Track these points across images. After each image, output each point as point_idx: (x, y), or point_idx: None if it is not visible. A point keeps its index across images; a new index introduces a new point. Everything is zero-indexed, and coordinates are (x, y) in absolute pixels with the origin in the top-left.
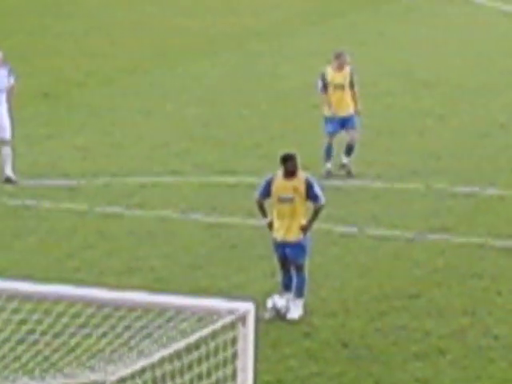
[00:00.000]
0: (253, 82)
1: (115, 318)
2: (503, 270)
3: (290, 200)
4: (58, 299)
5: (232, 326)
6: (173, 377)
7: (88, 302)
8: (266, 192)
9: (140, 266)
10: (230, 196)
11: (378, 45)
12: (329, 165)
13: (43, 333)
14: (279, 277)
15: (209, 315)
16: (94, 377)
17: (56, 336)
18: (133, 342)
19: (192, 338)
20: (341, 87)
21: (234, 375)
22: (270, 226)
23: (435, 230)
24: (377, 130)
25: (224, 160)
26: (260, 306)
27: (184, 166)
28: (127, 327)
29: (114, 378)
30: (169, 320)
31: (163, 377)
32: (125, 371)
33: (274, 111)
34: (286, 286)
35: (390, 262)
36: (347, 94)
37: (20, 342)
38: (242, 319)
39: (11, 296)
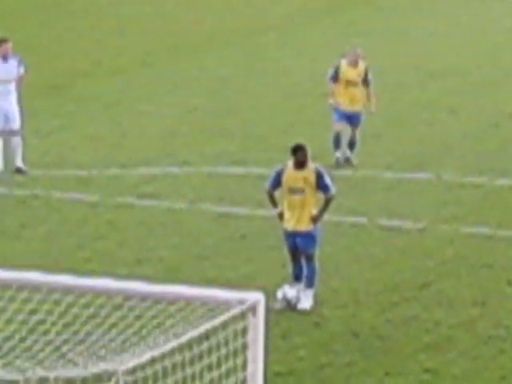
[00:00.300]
0: (261, 73)
1: (125, 308)
2: None
3: (301, 190)
4: (68, 289)
5: (242, 316)
6: (183, 367)
7: (98, 292)
8: (277, 182)
9: (150, 256)
10: (239, 186)
11: (386, 37)
12: (338, 154)
13: (53, 323)
14: (289, 267)
15: (219, 305)
16: (104, 367)
17: (66, 326)
18: (143, 332)
19: (202, 328)
20: (353, 83)
21: (244, 365)
22: (281, 216)
23: (445, 221)
24: (386, 121)
25: (233, 151)
26: (270, 297)
27: (193, 156)
28: (137, 317)
29: (124, 367)
30: (179, 310)
31: (173, 367)
32: (135, 361)
33: (283, 102)
34: (297, 277)
35: (400, 252)
36: (359, 90)
37: (30, 332)
38: (253, 309)
39: (21, 286)
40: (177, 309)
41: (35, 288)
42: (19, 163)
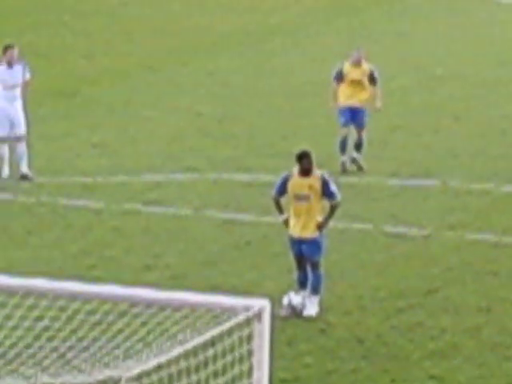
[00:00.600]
0: (267, 78)
1: (131, 314)
2: None
3: (306, 197)
4: (73, 296)
5: (248, 322)
6: (188, 374)
7: (104, 299)
8: (283, 189)
9: (155, 263)
10: (244, 193)
11: (393, 41)
12: (344, 158)
13: (59, 329)
14: (295, 274)
15: (224, 312)
16: (109, 373)
17: (72, 332)
18: (149, 339)
19: (208, 335)
20: (357, 83)
21: (249, 372)
22: (286, 223)
23: (451, 227)
24: (392, 127)
25: (239, 157)
26: (276, 303)
27: (199, 162)
28: (143, 324)
29: (129, 374)
30: (184, 317)
31: (179, 374)
32: (141, 368)
33: (289, 108)
34: (302, 284)
35: (405, 259)
36: (362, 88)
37: (36, 338)
38: (258, 316)
39: (27, 293)
40: (182, 315)
41: (41, 295)
42: (25, 169)
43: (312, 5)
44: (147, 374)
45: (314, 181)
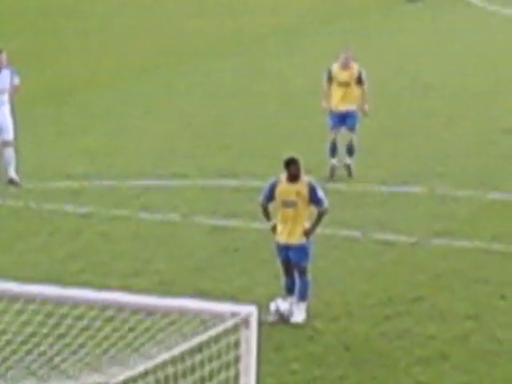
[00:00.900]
0: (260, 83)
1: (119, 320)
2: (507, 274)
3: (293, 204)
4: (61, 301)
5: (235, 328)
6: (175, 379)
7: (91, 304)
8: (270, 195)
9: (143, 268)
10: (233, 199)
11: (385, 47)
12: (334, 161)
13: (46, 334)
14: (282, 280)
15: (212, 318)
16: (96, 379)
17: (59, 338)
18: (136, 344)
19: (195, 341)
20: (345, 84)
21: (236, 378)
22: (274, 229)
23: (439, 234)
24: (381, 134)
25: (227, 163)
26: (263, 310)
27: (188, 168)
28: (131, 329)
29: (116, 380)
30: (172, 322)
31: (166, 379)
32: (127, 373)
33: (281, 113)
34: (290, 290)
35: (393, 266)
36: (352, 90)
37: (23, 343)
38: (245, 322)
39: (14, 297)
40: (170, 321)
41: (28, 299)
42: (12, 174)
43: (307, 9)
44: (134, 379)
45: (302, 187)
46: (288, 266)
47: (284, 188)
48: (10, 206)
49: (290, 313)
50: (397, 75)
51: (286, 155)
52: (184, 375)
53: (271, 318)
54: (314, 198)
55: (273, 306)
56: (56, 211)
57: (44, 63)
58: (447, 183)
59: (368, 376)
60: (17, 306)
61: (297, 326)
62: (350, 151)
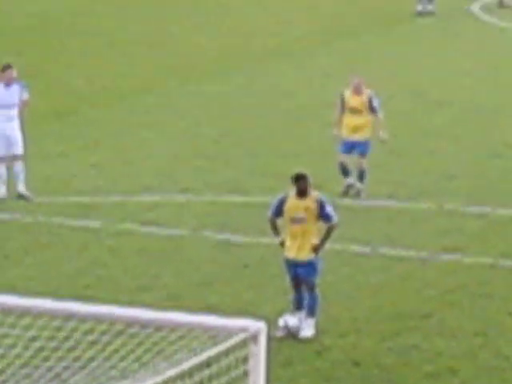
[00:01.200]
0: (266, 100)
1: (127, 334)
2: None
3: (302, 220)
4: (69, 316)
5: (243, 344)
6: None
7: (100, 319)
8: (279, 211)
9: (152, 283)
10: (241, 214)
11: (390, 64)
12: (348, 180)
13: (55, 349)
14: (291, 296)
15: (221, 333)
16: None
17: (67, 352)
18: (144, 359)
19: (203, 356)
20: (357, 111)
21: None
22: (282, 244)
23: (447, 250)
24: (389, 150)
25: (236, 178)
26: (272, 325)
27: (196, 183)
28: (139, 344)
29: None
30: (181, 337)
31: None
32: None
33: (287, 130)
34: (298, 305)
35: (401, 281)
36: (364, 118)
37: (32, 357)
38: (254, 338)
39: (23, 312)
40: (178, 336)
41: (37, 314)
42: (22, 189)
43: (311, 27)
44: None
45: (310, 202)
46: (296, 282)
47: (293, 203)
48: (18, 221)
49: (299, 328)
50: (404, 92)
51: (295, 171)
52: None
53: (280, 334)
54: (322, 214)
55: (281, 322)
56: (64, 226)
57: (51, 80)
58: (456, 199)
59: None
60: (25, 321)
61: (305, 341)
62: (361, 177)
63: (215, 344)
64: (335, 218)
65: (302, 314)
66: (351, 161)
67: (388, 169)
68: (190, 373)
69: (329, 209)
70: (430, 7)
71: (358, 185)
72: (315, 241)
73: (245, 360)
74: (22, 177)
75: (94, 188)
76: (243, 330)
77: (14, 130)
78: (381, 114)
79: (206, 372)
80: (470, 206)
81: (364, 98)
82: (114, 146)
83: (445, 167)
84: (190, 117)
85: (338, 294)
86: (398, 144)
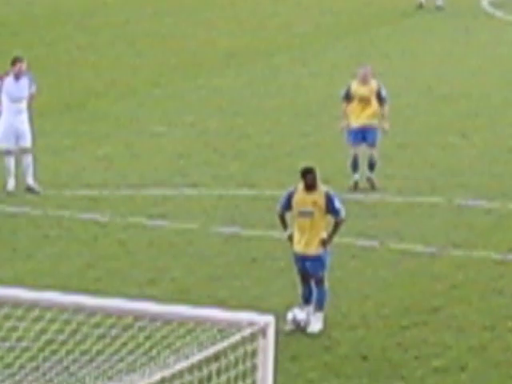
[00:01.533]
0: (275, 94)
1: (135, 328)
2: None
3: (310, 214)
4: (78, 309)
5: (252, 338)
6: None
7: (108, 312)
8: (287, 204)
9: (161, 276)
10: (250, 208)
11: (400, 59)
12: (356, 176)
13: (63, 342)
14: (299, 290)
15: (229, 327)
16: None
17: (76, 345)
18: (153, 353)
19: (212, 350)
20: (365, 100)
21: None
22: (291, 238)
23: (456, 245)
24: (398, 144)
25: (244, 172)
26: (280, 319)
27: (204, 177)
28: (147, 338)
29: None
30: (189, 331)
31: None
32: (144, 382)
33: (296, 124)
34: (307, 299)
35: (410, 276)
36: (372, 106)
37: (40, 350)
38: (262, 331)
39: (32, 305)
40: (187, 330)
41: (45, 307)
42: (30, 182)
43: (319, 22)
44: None
45: (319, 197)
46: (305, 276)
47: (301, 197)
48: (27, 215)
49: (307, 322)
50: (413, 87)
51: (303, 165)
52: None
53: (288, 328)
54: (330, 208)
55: (290, 316)
56: (73, 219)
57: (59, 74)
58: (465, 194)
59: None
60: (34, 314)
61: (313, 335)
62: (372, 166)
63: (224, 338)
64: (343, 213)
65: (311, 308)
66: (361, 153)
67: (397, 163)
68: (198, 366)
69: (337, 203)
70: (438, 2)
71: (368, 173)
72: (323, 235)
73: (253, 354)
74: (30, 170)
75: (102, 181)
76: (252, 323)
77: (23, 123)
78: (387, 105)
79: (215, 366)
80: (478, 200)
81: (372, 87)
82: (123, 140)
83: (454, 162)
84: (199, 111)
85: (347, 288)
86: (406, 138)
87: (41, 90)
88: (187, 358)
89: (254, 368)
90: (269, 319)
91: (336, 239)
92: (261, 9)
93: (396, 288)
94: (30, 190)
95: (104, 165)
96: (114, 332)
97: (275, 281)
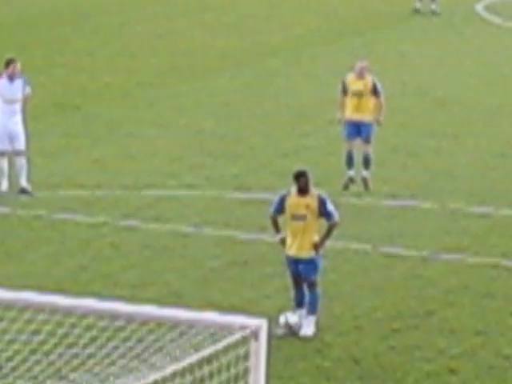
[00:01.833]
0: (269, 97)
1: (128, 330)
2: None
3: (303, 217)
4: (70, 311)
5: (244, 341)
6: None
7: (101, 315)
8: (280, 208)
9: (153, 279)
10: (243, 211)
11: (394, 63)
12: (351, 172)
13: (55, 344)
14: (292, 293)
15: (221, 330)
16: None
17: (68, 347)
18: (145, 356)
19: (204, 353)
20: (359, 94)
21: None
22: (283, 242)
23: (449, 250)
24: (392, 148)
25: (238, 175)
26: (272, 322)
27: (198, 180)
28: (140, 340)
29: None
30: (181, 334)
31: None
32: None
33: (290, 127)
34: (299, 303)
35: (403, 280)
36: (366, 100)
37: (32, 352)
38: (255, 335)
39: (24, 307)
40: (179, 333)
41: (38, 309)
42: (24, 184)
43: (314, 25)
44: None
45: (311, 200)
46: (297, 279)
47: (294, 201)
48: (20, 216)
49: (299, 326)
50: (407, 91)
51: (296, 168)
52: None
53: (280, 331)
54: (323, 211)
55: (282, 319)
56: (66, 221)
57: (54, 76)
58: (458, 198)
59: None
60: (26, 316)
61: (306, 339)
62: (367, 164)
63: (216, 341)
64: (336, 216)
65: (303, 311)
66: (356, 149)
67: (390, 167)
68: (190, 369)
69: (330, 207)
70: (433, 7)
71: (364, 173)
72: (316, 238)
73: (245, 357)
74: (24, 171)
75: (96, 183)
76: (244, 327)
77: (17, 124)
78: (382, 98)
79: (207, 369)
80: (472, 205)
81: (367, 81)
82: (116, 142)
83: (447, 166)
84: (192, 113)
85: (339, 292)
86: (400, 143)
87: (35, 92)
88: (179, 360)
89: (246, 371)
90: (261, 322)
91: (329, 243)
92: (256, 11)
93: (389, 292)
94: (23, 191)
95: (98, 167)
96: (106, 334)
97: (268, 284)
